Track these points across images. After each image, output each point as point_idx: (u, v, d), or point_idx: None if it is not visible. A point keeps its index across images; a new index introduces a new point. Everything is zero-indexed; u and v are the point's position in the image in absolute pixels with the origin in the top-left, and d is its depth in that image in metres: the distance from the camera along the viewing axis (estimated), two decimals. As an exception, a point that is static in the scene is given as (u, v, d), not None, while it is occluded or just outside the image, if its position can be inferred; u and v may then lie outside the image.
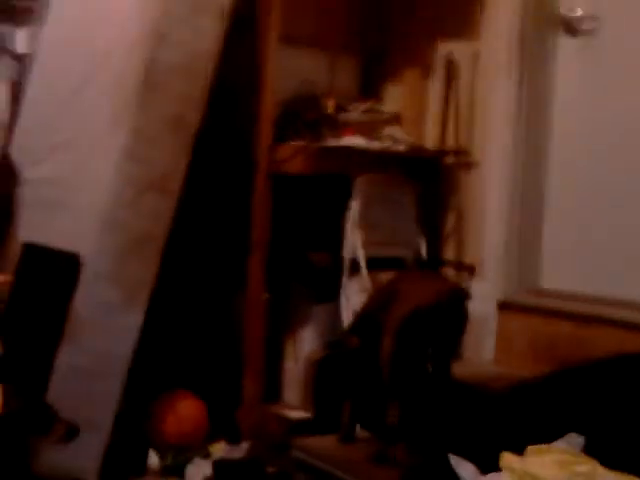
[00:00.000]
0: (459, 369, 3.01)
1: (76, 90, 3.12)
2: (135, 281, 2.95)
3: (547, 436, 2.04)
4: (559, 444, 2.00)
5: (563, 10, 3.23)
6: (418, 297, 2.67)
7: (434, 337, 2.66)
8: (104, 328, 2.87)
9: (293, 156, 3.18)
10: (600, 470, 1.89)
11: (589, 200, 3.15)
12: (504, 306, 3.23)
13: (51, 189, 3.08)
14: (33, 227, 3.03)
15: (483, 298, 3.26)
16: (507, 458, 1.98)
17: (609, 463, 1.93)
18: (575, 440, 2.01)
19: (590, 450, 1.98)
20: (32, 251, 2.98)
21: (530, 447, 2.00)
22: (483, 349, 3.24)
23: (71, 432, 2.54)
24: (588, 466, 1.90)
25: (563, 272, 3.22)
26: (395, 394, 2.60)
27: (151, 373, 3.13)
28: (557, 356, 2.97)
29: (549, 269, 3.27)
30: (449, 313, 2.68)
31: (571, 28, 3.19)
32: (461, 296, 2.79)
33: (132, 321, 2.92)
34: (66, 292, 2.85)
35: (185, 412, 3.11)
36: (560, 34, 3.24)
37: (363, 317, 2.87)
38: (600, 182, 3.11)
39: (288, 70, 3.35)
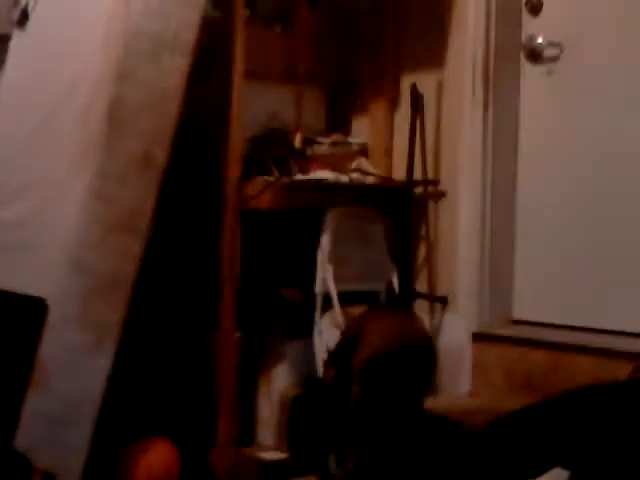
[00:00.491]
0: (434, 404, 2.98)
1: (39, 129, 3.08)
2: (103, 323, 2.88)
3: (529, 472, 2.01)
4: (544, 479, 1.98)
5: (525, 38, 3.26)
6: (380, 339, 2.64)
7: (399, 379, 2.62)
8: (72, 372, 2.79)
9: (262, 192, 3.15)
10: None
11: (561, 228, 3.15)
12: (478, 337, 3.21)
13: (16, 231, 3.02)
14: (-1, 272, 2.97)
15: (457, 330, 3.24)
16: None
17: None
18: (559, 475, 1.98)
19: (575, 483, 1.96)
20: (-4, 296, 2.92)
21: (514, 483, 1.97)
22: (458, 382, 3.21)
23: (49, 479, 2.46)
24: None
25: (536, 302, 3.22)
26: (357, 440, 2.58)
27: (122, 418, 3.05)
28: (535, 386, 2.96)
29: (522, 299, 3.27)
30: (413, 356, 2.65)
31: (534, 55, 3.22)
32: (426, 338, 2.77)
33: (101, 364, 2.85)
34: (32, 337, 2.78)
35: (156, 458, 3.03)
36: (524, 61, 3.27)
37: (334, 356, 2.84)
38: (571, 209, 3.13)
39: (255, 105, 3.33)
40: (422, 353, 2.66)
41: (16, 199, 3.08)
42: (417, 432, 2.52)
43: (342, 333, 2.93)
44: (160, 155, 3.00)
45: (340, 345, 2.81)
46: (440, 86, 3.42)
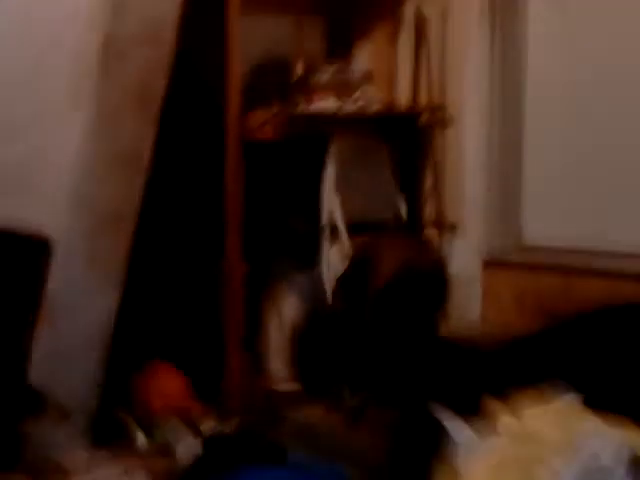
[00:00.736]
0: (445, 328, 2.98)
1: (31, 70, 3.02)
2: (109, 258, 2.88)
3: (542, 392, 2.00)
4: (556, 401, 1.96)
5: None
6: (393, 265, 2.62)
7: (413, 303, 2.61)
8: (81, 308, 2.80)
9: (264, 123, 3.10)
10: (600, 426, 1.85)
11: (569, 150, 3.10)
12: (488, 263, 3.19)
13: (15, 172, 2.98)
14: (1, 213, 2.93)
15: (467, 256, 3.22)
16: (504, 420, 1.93)
17: (605, 414, 1.89)
18: (572, 396, 1.97)
19: (586, 404, 1.94)
20: (1, 237, 2.89)
21: (526, 406, 1.96)
22: (469, 308, 3.20)
23: (64, 413, 2.47)
24: (587, 422, 1.86)
25: (546, 225, 3.18)
26: (371, 366, 2.57)
27: (133, 350, 3.06)
28: (545, 311, 2.94)
29: (532, 224, 3.23)
30: (427, 281, 2.63)
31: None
32: (439, 263, 2.74)
33: (109, 298, 2.86)
34: (39, 277, 2.77)
35: (169, 384, 3.05)
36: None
37: (342, 284, 2.82)
38: (579, 130, 3.07)
39: (254, 36, 3.26)
40: (436, 277, 2.65)
41: (13, 141, 3.03)
42: (433, 357, 2.51)
43: (352, 259, 2.90)
44: (158, 86, 2.94)
45: (351, 271, 2.78)
46: (445, 11, 3.32)
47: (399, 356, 2.55)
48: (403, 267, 2.58)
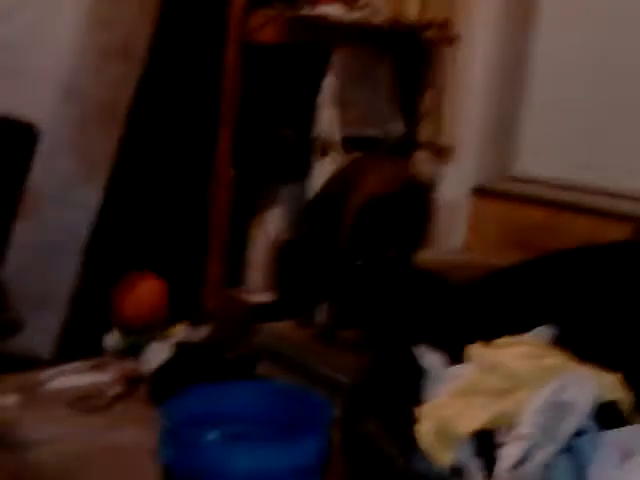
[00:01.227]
0: (426, 256, 2.96)
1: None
2: (96, 152, 2.84)
3: (517, 327, 2.00)
4: (529, 336, 1.97)
5: None
6: (375, 185, 2.57)
7: (392, 226, 2.57)
8: (62, 202, 2.78)
9: (265, 24, 3.00)
10: (570, 363, 1.86)
11: (573, 84, 3.03)
12: (476, 192, 3.15)
13: (4, 53, 2.90)
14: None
15: (456, 183, 3.19)
16: (475, 349, 1.94)
17: (581, 355, 1.90)
18: (546, 332, 1.98)
19: (563, 342, 1.95)
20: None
21: (499, 339, 1.96)
22: (453, 235, 3.19)
23: (11, 327, 2.46)
24: (558, 359, 1.87)
25: (540, 158, 3.14)
26: (347, 281, 2.56)
27: (113, 253, 3.05)
28: (529, 244, 2.93)
29: (526, 155, 3.18)
30: (407, 202, 2.59)
31: None
32: (420, 185, 2.70)
33: (92, 195, 2.84)
34: (22, 164, 2.72)
35: (145, 293, 3.06)
36: None
37: (318, 202, 2.79)
38: (586, 68, 2.99)
39: None
40: (418, 200, 2.61)
41: (4, 19, 2.94)
42: (407, 286, 2.51)
43: (331, 177, 2.85)
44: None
45: (328, 189, 2.75)
46: None
47: (373, 281, 2.54)
48: (381, 191, 2.54)
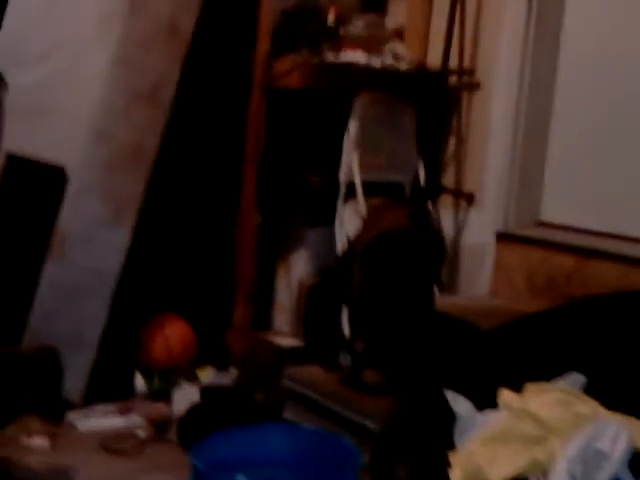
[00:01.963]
0: (452, 301, 2.95)
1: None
2: (123, 195, 2.86)
3: (547, 374, 1.99)
4: (559, 383, 1.96)
5: None
6: (384, 225, 2.57)
7: (404, 264, 2.55)
8: (91, 243, 2.80)
9: (291, 70, 3.05)
10: (602, 411, 1.85)
11: (596, 130, 3.04)
12: (502, 237, 3.14)
13: (37, 97, 2.95)
14: (18, 137, 2.90)
15: (481, 228, 3.18)
16: (505, 395, 1.93)
17: (611, 403, 1.89)
18: (576, 379, 1.97)
19: (591, 390, 1.94)
20: (16, 163, 2.87)
21: (529, 385, 1.95)
22: (479, 282, 3.17)
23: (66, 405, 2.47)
24: (589, 407, 1.86)
25: (564, 204, 3.13)
26: (363, 321, 2.55)
27: (140, 295, 3.07)
28: (556, 291, 2.92)
29: (550, 201, 3.18)
30: (417, 241, 2.57)
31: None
32: (431, 225, 2.67)
33: (120, 237, 2.85)
34: (52, 206, 2.75)
35: (174, 336, 3.07)
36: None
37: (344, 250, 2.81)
38: (610, 110, 2.99)
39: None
40: (427, 240, 2.58)
41: (37, 63, 3.00)
42: (426, 324, 2.50)
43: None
44: (187, 21, 2.90)
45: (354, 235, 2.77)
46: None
47: (400, 325, 2.53)
48: (395, 226, 2.52)
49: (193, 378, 2.91)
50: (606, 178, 2.99)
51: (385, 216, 2.63)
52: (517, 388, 1.97)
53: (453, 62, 3.32)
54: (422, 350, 2.44)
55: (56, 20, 2.99)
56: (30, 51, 3.04)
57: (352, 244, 2.67)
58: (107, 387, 2.84)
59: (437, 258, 2.67)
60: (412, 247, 2.54)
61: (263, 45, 3.11)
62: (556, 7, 3.14)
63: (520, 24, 3.12)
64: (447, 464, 1.80)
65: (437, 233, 2.69)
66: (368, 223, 2.66)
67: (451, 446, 1.88)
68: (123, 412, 2.74)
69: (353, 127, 3.12)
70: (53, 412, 2.60)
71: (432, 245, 2.63)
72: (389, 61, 3.28)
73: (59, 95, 2.93)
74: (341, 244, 3.05)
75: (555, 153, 3.16)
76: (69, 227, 2.77)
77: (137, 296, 3.03)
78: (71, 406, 2.72)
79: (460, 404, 1.93)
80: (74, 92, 2.88)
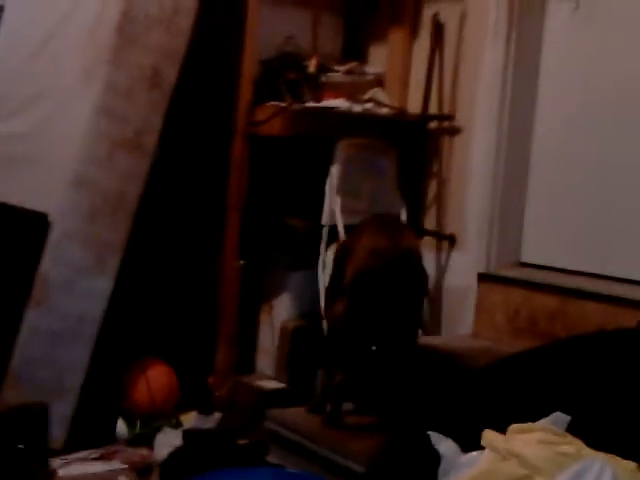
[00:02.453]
0: (435, 342, 2.95)
1: (46, 41, 3.01)
2: (106, 243, 2.86)
3: (530, 414, 1.99)
4: (543, 423, 1.95)
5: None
6: (366, 256, 2.53)
7: (386, 300, 2.53)
8: (73, 291, 2.79)
9: (272, 117, 3.09)
10: (586, 450, 1.84)
11: (576, 174, 3.07)
12: (484, 278, 3.16)
13: (20, 144, 2.97)
14: (0, 186, 2.92)
15: (463, 269, 3.20)
16: (489, 436, 1.92)
17: (594, 442, 1.88)
18: (560, 419, 1.96)
19: (575, 430, 1.94)
20: (-2, 209, 2.87)
21: (513, 425, 1.95)
22: (461, 322, 3.18)
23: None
24: (573, 446, 1.85)
25: (545, 246, 3.16)
26: (343, 358, 2.53)
27: (122, 340, 3.05)
28: (538, 331, 2.93)
29: (531, 242, 3.21)
30: (399, 274, 2.54)
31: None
32: (412, 256, 2.59)
33: (102, 284, 2.84)
34: (34, 253, 2.75)
35: (156, 381, 3.05)
36: (550, -5, 3.15)
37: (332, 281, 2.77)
38: (588, 154, 3.04)
39: (270, 28, 3.25)
40: (411, 272, 2.55)
41: (21, 112, 3.02)
42: (415, 367, 2.48)
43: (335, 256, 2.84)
44: (170, 73, 2.93)
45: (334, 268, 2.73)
46: (463, 17, 3.31)
47: (378, 361, 2.51)
48: (379, 258, 2.49)
49: (176, 423, 2.88)
50: (585, 219, 3.02)
51: (367, 243, 2.58)
52: (501, 428, 1.96)
53: (433, 107, 3.38)
54: (409, 390, 2.42)
55: (40, 71, 3.02)
56: (13, 101, 3.07)
57: (338, 273, 2.63)
58: (89, 433, 2.82)
59: (416, 290, 2.62)
60: (397, 278, 2.50)
61: (245, 93, 3.15)
62: (533, 52, 3.20)
63: (498, 70, 3.18)
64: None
65: (416, 264, 2.62)
66: (351, 251, 2.61)
67: (436, 488, 1.86)
68: (105, 458, 2.71)
69: (335, 172, 3.15)
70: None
71: (416, 275, 2.58)
72: (370, 107, 3.32)
73: (42, 144, 2.95)
74: (323, 286, 3.06)
75: (535, 195, 3.20)
76: (51, 274, 2.76)
77: (119, 341, 3.02)
78: (53, 453, 2.69)
79: (444, 444, 1.92)
80: (57, 141, 2.90)
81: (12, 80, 3.09)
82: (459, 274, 3.21)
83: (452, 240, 3.27)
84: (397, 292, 2.51)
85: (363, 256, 2.52)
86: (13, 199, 2.91)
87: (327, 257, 3.11)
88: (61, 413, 2.76)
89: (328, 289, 2.80)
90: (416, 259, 2.57)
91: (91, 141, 2.83)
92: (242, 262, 3.17)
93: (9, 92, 3.08)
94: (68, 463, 2.66)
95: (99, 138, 2.84)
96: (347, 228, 3.08)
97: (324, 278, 3.10)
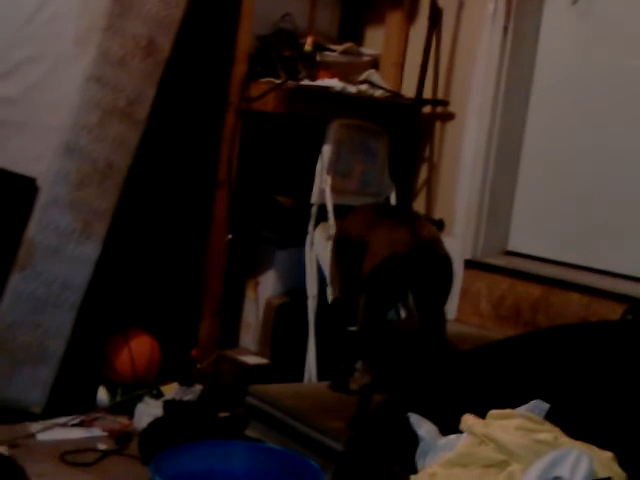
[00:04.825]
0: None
1: (41, 5, 2.97)
2: (94, 210, 2.85)
3: (510, 400, 2.00)
4: (522, 409, 1.97)
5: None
6: (388, 247, 2.39)
7: (410, 289, 2.47)
8: (59, 256, 2.78)
9: (266, 93, 3.07)
10: (563, 439, 1.86)
11: (567, 165, 3.09)
12: (470, 264, 3.17)
13: (10, 108, 2.94)
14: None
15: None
16: (468, 420, 1.93)
17: (572, 431, 1.90)
18: (539, 406, 1.97)
19: (554, 417, 1.95)
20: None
21: (492, 411, 1.96)
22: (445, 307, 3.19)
23: None
24: (551, 434, 1.86)
25: (532, 235, 3.17)
26: (367, 348, 2.47)
27: (106, 309, 3.05)
28: (521, 319, 2.95)
29: (518, 231, 3.22)
30: (423, 262, 2.40)
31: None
32: (436, 243, 2.46)
33: (88, 251, 2.83)
34: (20, 216, 2.73)
35: (138, 350, 3.05)
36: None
37: (339, 268, 2.69)
38: (579, 143, 3.05)
39: (267, 4, 3.23)
40: (439, 258, 2.46)
41: (13, 75, 2.99)
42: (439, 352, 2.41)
43: (339, 234, 2.73)
44: (164, 43, 2.91)
45: (342, 252, 2.63)
46: (461, 3, 3.30)
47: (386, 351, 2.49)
48: (401, 248, 2.40)
49: (157, 393, 2.88)
50: (573, 211, 3.04)
51: (386, 233, 2.45)
52: (481, 413, 1.97)
53: (428, 92, 3.37)
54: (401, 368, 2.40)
55: (33, 36, 2.99)
56: (5, 64, 3.04)
57: (352, 268, 2.54)
58: (70, 399, 2.81)
59: (441, 277, 2.47)
60: (417, 270, 2.39)
61: (240, 67, 3.13)
62: (530, 39, 3.20)
63: (494, 56, 3.18)
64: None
65: (439, 255, 2.47)
66: (368, 242, 2.47)
67: (412, 469, 1.87)
68: (85, 424, 2.71)
69: (326, 151, 3.14)
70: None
71: (436, 266, 2.44)
72: (363, 88, 3.31)
73: (32, 108, 2.92)
74: (310, 265, 3.05)
75: (525, 184, 3.21)
76: (37, 238, 2.75)
77: (103, 310, 3.01)
78: (32, 418, 2.68)
79: (423, 427, 1.93)
80: (47, 106, 2.88)
81: (5, 44, 3.05)
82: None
83: (440, 225, 3.28)
84: (426, 280, 2.42)
85: (385, 247, 2.39)
86: (1, 162, 2.89)
87: (315, 235, 3.12)
88: (42, 378, 2.76)
89: (340, 288, 2.69)
90: (440, 246, 2.48)
91: (82, 108, 2.81)
92: (229, 236, 3.16)
93: (1, 55, 3.05)
94: (48, 428, 2.67)
95: (90, 105, 2.81)
96: (336, 208, 3.10)
97: (310, 256, 3.12)
